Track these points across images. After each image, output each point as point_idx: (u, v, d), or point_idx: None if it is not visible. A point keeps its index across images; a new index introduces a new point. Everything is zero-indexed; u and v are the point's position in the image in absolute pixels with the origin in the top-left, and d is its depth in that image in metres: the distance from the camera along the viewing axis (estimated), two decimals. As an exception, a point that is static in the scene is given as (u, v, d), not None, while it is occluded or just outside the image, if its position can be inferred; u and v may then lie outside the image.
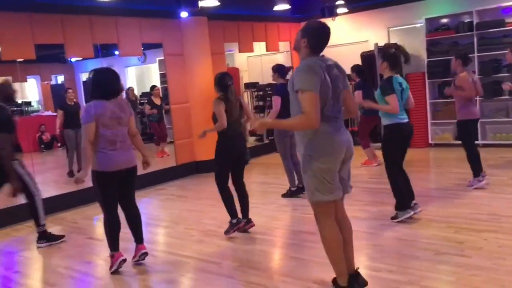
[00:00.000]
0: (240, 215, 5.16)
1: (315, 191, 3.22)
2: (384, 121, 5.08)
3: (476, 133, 6.39)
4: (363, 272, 3.90)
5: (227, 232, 5.09)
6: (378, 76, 8.68)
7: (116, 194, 4.35)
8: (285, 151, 6.49)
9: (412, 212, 5.08)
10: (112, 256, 4.36)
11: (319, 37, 3.21)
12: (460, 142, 6.30)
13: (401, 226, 4.93)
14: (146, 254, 4.53)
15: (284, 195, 6.60)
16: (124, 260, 4.36)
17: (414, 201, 5.18)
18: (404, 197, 5.08)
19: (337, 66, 3.29)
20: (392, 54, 5.06)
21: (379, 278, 3.78)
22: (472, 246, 4.24)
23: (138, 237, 4.54)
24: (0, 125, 4.72)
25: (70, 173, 8.63)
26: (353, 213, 5.45)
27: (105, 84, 4.26)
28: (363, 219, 5.30)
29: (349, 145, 3.30)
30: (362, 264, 4.17)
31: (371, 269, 3.98)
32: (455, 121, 6.31)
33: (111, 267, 4.37)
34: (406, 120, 5.04)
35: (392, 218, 5.11)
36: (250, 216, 5.22)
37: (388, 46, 9.41)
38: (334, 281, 3.42)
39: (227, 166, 5.06)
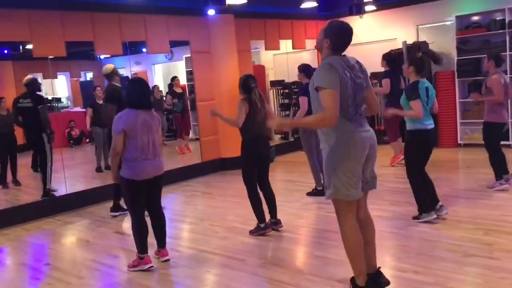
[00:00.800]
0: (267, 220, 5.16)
1: (337, 189, 3.20)
2: (408, 126, 5.00)
3: (502, 136, 6.17)
4: (388, 272, 3.87)
5: (252, 233, 5.11)
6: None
7: (143, 199, 4.40)
8: (311, 149, 6.47)
9: (436, 215, 5.00)
10: (141, 258, 4.36)
11: (342, 37, 3.18)
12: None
13: (428, 227, 4.86)
14: (168, 260, 4.55)
15: (309, 194, 6.59)
16: (151, 267, 4.35)
17: (440, 203, 5.10)
18: (425, 201, 5.01)
19: (359, 65, 3.25)
20: (419, 59, 5.03)
21: (405, 279, 3.74)
22: (501, 249, 4.15)
23: (162, 242, 4.57)
24: (111, 98, 6.09)
25: (98, 169, 8.78)
26: (379, 213, 5.42)
27: (140, 96, 4.32)
28: (389, 219, 5.25)
29: (373, 144, 3.27)
30: (387, 264, 4.13)
31: (397, 270, 3.94)
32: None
33: (133, 266, 4.38)
34: (431, 126, 4.95)
35: (414, 217, 5.06)
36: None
37: (416, 44, 9.30)
38: (352, 280, 3.41)
39: (254, 169, 5.06)
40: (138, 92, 4.34)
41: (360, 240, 3.27)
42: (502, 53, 8.48)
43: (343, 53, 3.23)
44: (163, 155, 4.57)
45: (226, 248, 4.80)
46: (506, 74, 8.49)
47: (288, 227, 5.22)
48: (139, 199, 4.36)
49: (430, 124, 4.92)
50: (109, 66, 6.43)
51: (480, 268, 3.81)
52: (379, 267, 3.44)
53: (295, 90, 10.74)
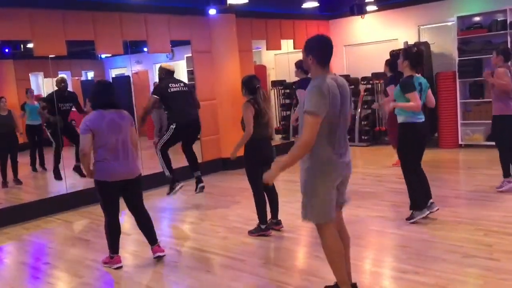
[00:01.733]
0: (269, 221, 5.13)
1: (312, 212, 3.26)
2: (400, 119, 5.03)
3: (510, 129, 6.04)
4: (389, 273, 3.88)
5: (251, 233, 5.09)
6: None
7: (117, 200, 4.42)
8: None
9: (428, 212, 5.03)
10: (111, 258, 4.48)
11: (323, 49, 3.19)
12: (492, 141, 6.12)
13: (429, 228, 4.85)
14: (162, 256, 4.55)
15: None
16: (120, 267, 4.45)
17: (431, 200, 5.12)
18: (419, 197, 5.03)
19: (346, 86, 3.25)
20: (413, 53, 5.01)
21: (406, 280, 3.73)
22: (501, 250, 4.15)
23: (152, 240, 4.58)
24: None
25: None
26: (381, 214, 5.42)
27: (103, 96, 4.37)
28: (390, 220, 5.24)
29: (348, 171, 3.32)
30: (388, 265, 4.14)
31: (398, 271, 3.94)
32: (487, 121, 6.15)
33: (106, 263, 4.50)
34: (422, 120, 4.98)
35: (407, 219, 5.06)
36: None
37: (418, 44, 9.29)
38: None
39: (258, 170, 4.99)
40: (101, 93, 4.40)
41: (341, 249, 3.30)
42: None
43: (335, 73, 3.30)
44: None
45: (227, 248, 4.80)
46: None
47: (288, 227, 5.22)
48: (112, 200, 4.39)
49: (421, 118, 4.96)
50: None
51: (481, 269, 3.80)
52: (355, 283, 3.44)
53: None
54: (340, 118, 3.14)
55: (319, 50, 3.17)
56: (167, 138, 6.27)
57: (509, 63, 6.00)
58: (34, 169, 9.18)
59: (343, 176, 3.27)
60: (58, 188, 7.28)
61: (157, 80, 11.70)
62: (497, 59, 5.94)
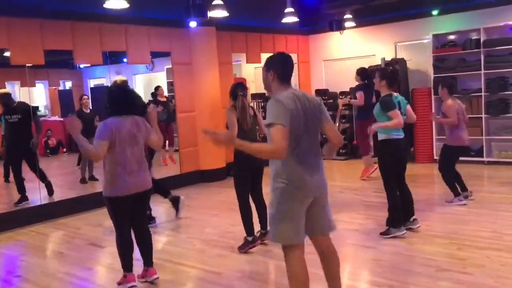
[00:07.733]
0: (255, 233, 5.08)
1: (278, 232, 3.13)
2: (381, 136, 5.10)
3: (457, 159, 6.39)
4: (363, 286, 3.90)
5: (241, 248, 4.98)
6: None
7: (129, 214, 4.17)
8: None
9: (405, 231, 5.03)
10: (124, 276, 4.18)
11: (283, 65, 3.20)
12: (443, 161, 6.35)
13: (403, 241, 4.91)
14: (157, 278, 4.32)
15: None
16: (133, 286, 4.16)
17: (414, 217, 5.19)
18: (398, 214, 5.07)
19: (311, 99, 3.19)
20: (390, 73, 5.18)
21: (380, 293, 3.76)
22: (474, 264, 4.22)
23: (149, 261, 4.35)
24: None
25: (83, 180, 8.55)
26: (356, 227, 5.46)
27: (121, 101, 4.11)
28: (365, 233, 5.29)
29: (321, 192, 3.15)
30: (363, 278, 4.16)
31: (372, 284, 3.97)
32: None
33: (118, 284, 4.19)
34: (402, 136, 5.07)
35: (382, 233, 5.09)
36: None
37: (394, 60, 9.46)
38: None
39: (246, 178, 4.98)
40: (118, 98, 4.11)
41: (306, 278, 3.12)
42: (477, 72, 8.75)
43: (292, 86, 3.21)
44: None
45: (203, 261, 4.77)
46: (481, 93, 8.74)
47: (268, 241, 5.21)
48: (124, 214, 4.13)
49: (401, 134, 5.07)
50: None
51: (454, 283, 3.86)
52: None
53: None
54: (305, 132, 3.04)
55: (279, 66, 3.19)
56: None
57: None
58: (7, 180, 8.97)
59: (312, 197, 3.09)
60: (33, 199, 7.14)
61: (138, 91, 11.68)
62: (443, 92, 6.27)
